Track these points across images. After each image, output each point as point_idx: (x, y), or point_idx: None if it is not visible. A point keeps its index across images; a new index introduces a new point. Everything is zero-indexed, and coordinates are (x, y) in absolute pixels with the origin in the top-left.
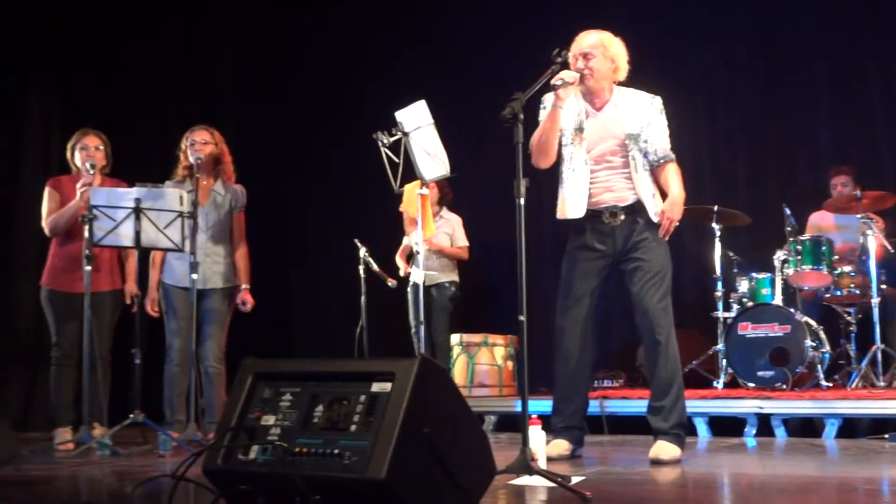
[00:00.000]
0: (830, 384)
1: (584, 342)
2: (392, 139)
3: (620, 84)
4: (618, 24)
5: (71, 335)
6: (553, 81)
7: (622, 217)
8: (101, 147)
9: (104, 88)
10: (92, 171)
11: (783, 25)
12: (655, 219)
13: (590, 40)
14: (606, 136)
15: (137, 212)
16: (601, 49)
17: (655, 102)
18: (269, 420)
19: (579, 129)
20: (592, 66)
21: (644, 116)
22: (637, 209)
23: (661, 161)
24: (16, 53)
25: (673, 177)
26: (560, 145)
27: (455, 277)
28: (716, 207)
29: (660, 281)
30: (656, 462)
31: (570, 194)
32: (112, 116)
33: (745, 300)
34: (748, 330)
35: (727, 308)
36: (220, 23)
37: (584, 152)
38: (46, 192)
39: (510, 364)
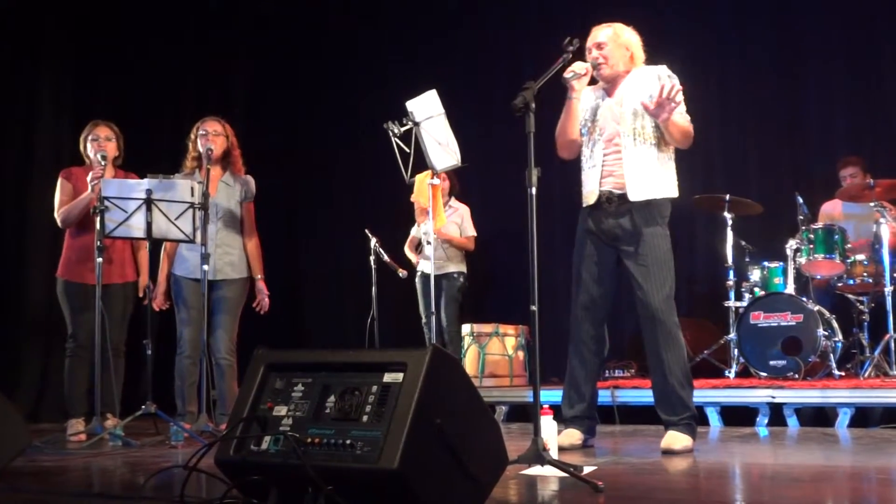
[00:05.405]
0: (843, 373)
1: (594, 331)
2: (403, 129)
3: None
4: (631, 10)
5: (87, 326)
6: (564, 74)
7: (617, 203)
8: (113, 138)
9: (116, 79)
10: (103, 163)
11: (798, 12)
12: (638, 196)
13: (602, 31)
14: (613, 120)
15: (148, 203)
16: (614, 38)
17: (661, 71)
18: (281, 411)
19: (594, 117)
20: (605, 53)
21: (648, 87)
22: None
23: None
24: (28, 43)
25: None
26: (581, 135)
27: (463, 268)
28: (727, 196)
29: (659, 272)
30: (668, 452)
31: (585, 181)
32: (124, 107)
33: (757, 289)
34: (760, 319)
35: (739, 297)
36: (233, 14)
37: (598, 139)
38: (59, 183)
39: (521, 354)
